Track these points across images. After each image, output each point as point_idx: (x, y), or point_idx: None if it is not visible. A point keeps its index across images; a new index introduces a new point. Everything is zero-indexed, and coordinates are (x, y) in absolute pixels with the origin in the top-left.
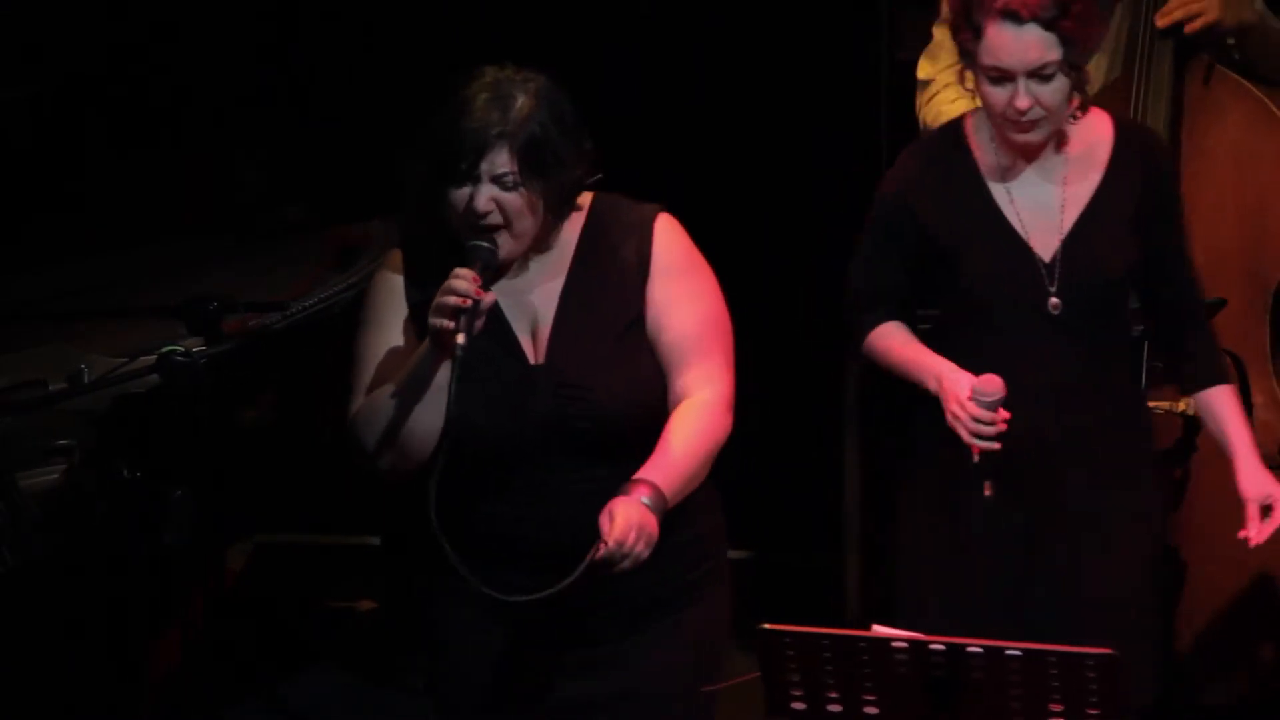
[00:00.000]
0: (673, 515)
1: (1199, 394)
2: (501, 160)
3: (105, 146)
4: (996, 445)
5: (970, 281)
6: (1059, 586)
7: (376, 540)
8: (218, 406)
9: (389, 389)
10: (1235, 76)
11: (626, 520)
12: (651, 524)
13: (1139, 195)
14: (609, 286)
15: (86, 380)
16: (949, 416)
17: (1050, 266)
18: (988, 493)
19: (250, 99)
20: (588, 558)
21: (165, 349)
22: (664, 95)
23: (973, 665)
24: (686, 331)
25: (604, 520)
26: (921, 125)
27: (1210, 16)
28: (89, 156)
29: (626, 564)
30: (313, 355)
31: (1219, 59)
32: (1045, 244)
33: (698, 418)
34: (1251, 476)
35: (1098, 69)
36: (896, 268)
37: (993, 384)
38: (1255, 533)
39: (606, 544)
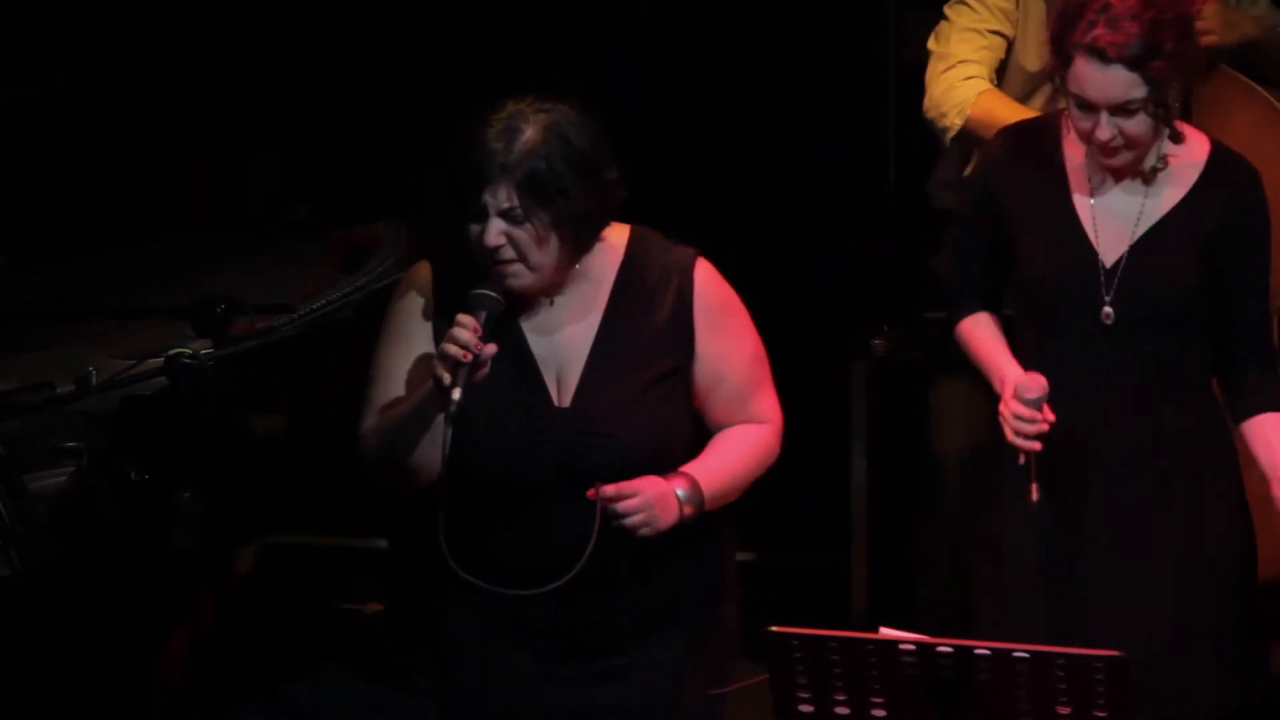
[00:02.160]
0: (691, 530)
1: (1248, 420)
2: (503, 194)
3: (113, 147)
4: (1037, 445)
5: (1031, 275)
6: (1105, 597)
7: (384, 543)
8: (225, 408)
9: (397, 415)
10: (1243, 78)
11: (640, 490)
12: (666, 511)
13: (1219, 221)
14: (646, 334)
15: (94, 382)
16: (1000, 420)
17: (1111, 274)
18: (1034, 497)
19: (258, 100)
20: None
21: (172, 351)
22: (669, 96)
23: (980, 667)
24: (743, 377)
25: (629, 481)
26: (928, 99)
27: (1211, 40)
28: (96, 157)
29: (619, 523)
30: (320, 357)
31: (1226, 59)
32: (1112, 251)
33: (754, 441)
34: None
35: None
36: (981, 254)
37: (1035, 381)
38: None
39: (608, 489)
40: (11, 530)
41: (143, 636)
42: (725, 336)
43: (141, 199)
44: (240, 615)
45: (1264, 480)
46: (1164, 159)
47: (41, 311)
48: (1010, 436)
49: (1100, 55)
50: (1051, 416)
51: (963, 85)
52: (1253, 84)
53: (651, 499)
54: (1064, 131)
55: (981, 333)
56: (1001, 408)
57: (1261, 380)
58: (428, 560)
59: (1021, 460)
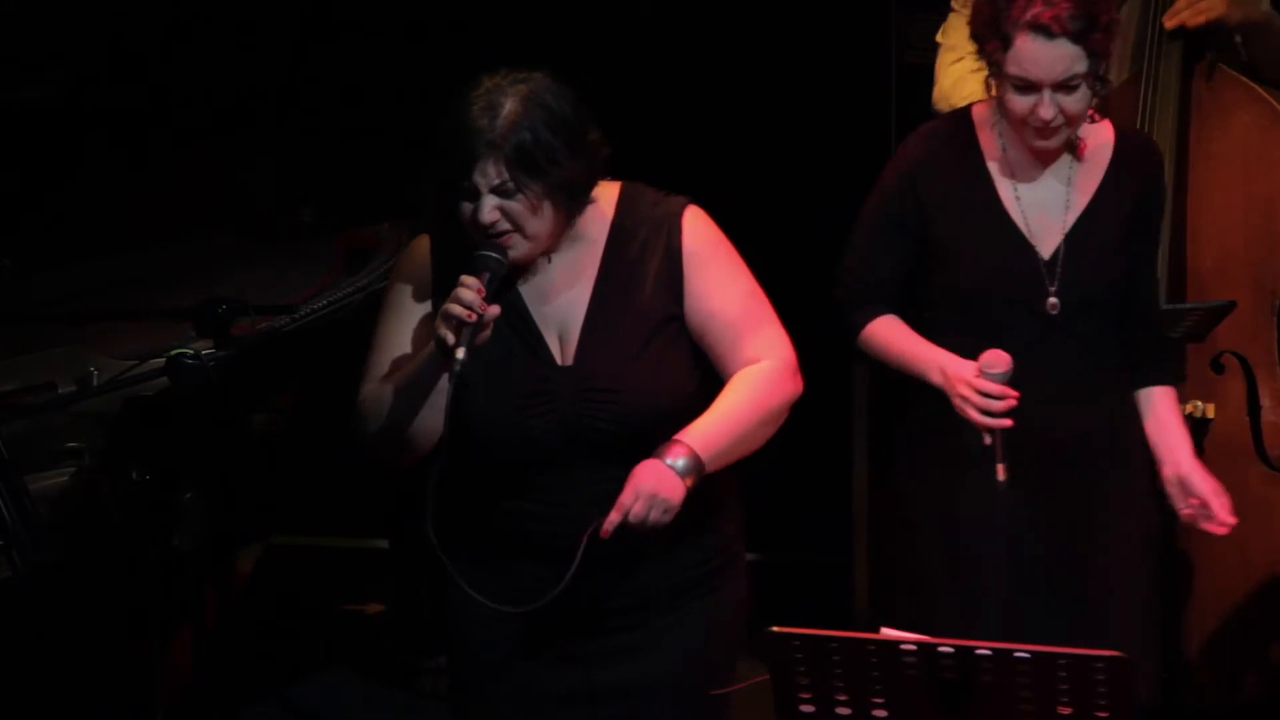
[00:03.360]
0: (695, 507)
1: (1144, 389)
2: (493, 170)
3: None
4: (1008, 422)
5: (969, 276)
6: (1059, 585)
7: (385, 544)
8: (227, 409)
9: (394, 383)
10: (1243, 80)
11: (635, 488)
12: (670, 488)
13: (1136, 198)
14: (640, 286)
15: (96, 383)
16: (957, 402)
17: (1050, 265)
18: (1001, 476)
19: (262, 101)
20: (584, 538)
21: (174, 351)
22: (672, 98)
23: (981, 667)
24: (735, 311)
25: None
26: (937, 90)
27: (1216, 12)
28: (99, 159)
29: (643, 531)
30: (322, 358)
31: (1226, 61)
32: (1047, 243)
33: (754, 383)
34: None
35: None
36: (897, 256)
37: (999, 358)
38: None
39: (612, 518)
40: (13, 531)
41: (145, 638)
42: (712, 276)
43: (144, 201)
44: (243, 615)
45: (1266, 480)
46: (1080, 145)
47: (44, 313)
48: (975, 416)
49: (1045, 31)
50: (1017, 393)
51: (971, 77)
52: (1252, 85)
53: (648, 487)
54: (977, 126)
55: (899, 330)
56: (960, 388)
57: (1159, 349)
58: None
59: (988, 440)
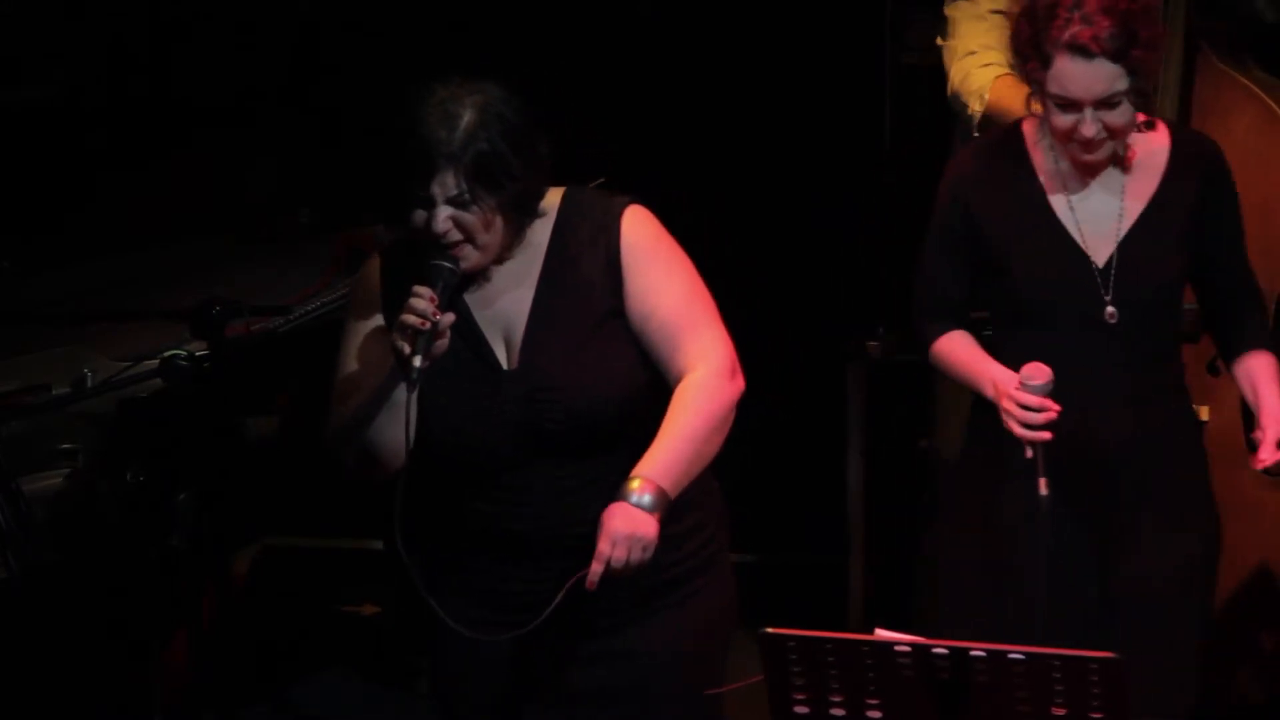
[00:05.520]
0: (673, 503)
1: (1238, 358)
2: (450, 181)
3: (113, 150)
4: (1047, 435)
5: (1026, 288)
6: (1105, 596)
7: (380, 545)
8: (222, 410)
9: (358, 403)
10: (1243, 80)
11: (610, 535)
12: (643, 526)
13: (1197, 199)
14: (580, 285)
15: (90, 384)
16: (1004, 416)
17: (1105, 274)
18: (1043, 491)
19: (259, 103)
20: (564, 589)
21: (168, 353)
22: (667, 98)
23: (976, 669)
24: (672, 311)
25: (599, 539)
26: (949, 88)
27: None
28: (98, 159)
29: (628, 573)
30: (317, 359)
31: (1231, 59)
32: (1101, 252)
33: (694, 396)
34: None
35: None
36: (958, 273)
37: (1039, 371)
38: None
39: (595, 570)
40: (8, 532)
41: (141, 639)
42: (651, 274)
43: (141, 202)
44: (239, 616)
45: (1258, 483)
46: (1128, 149)
47: (39, 314)
48: (1016, 430)
49: (1083, 51)
50: (1058, 406)
51: (979, 72)
52: (1251, 85)
53: (624, 532)
54: (1029, 140)
55: (962, 346)
56: (1004, 402)
57: (1251, 320)
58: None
59: (1029, 454)
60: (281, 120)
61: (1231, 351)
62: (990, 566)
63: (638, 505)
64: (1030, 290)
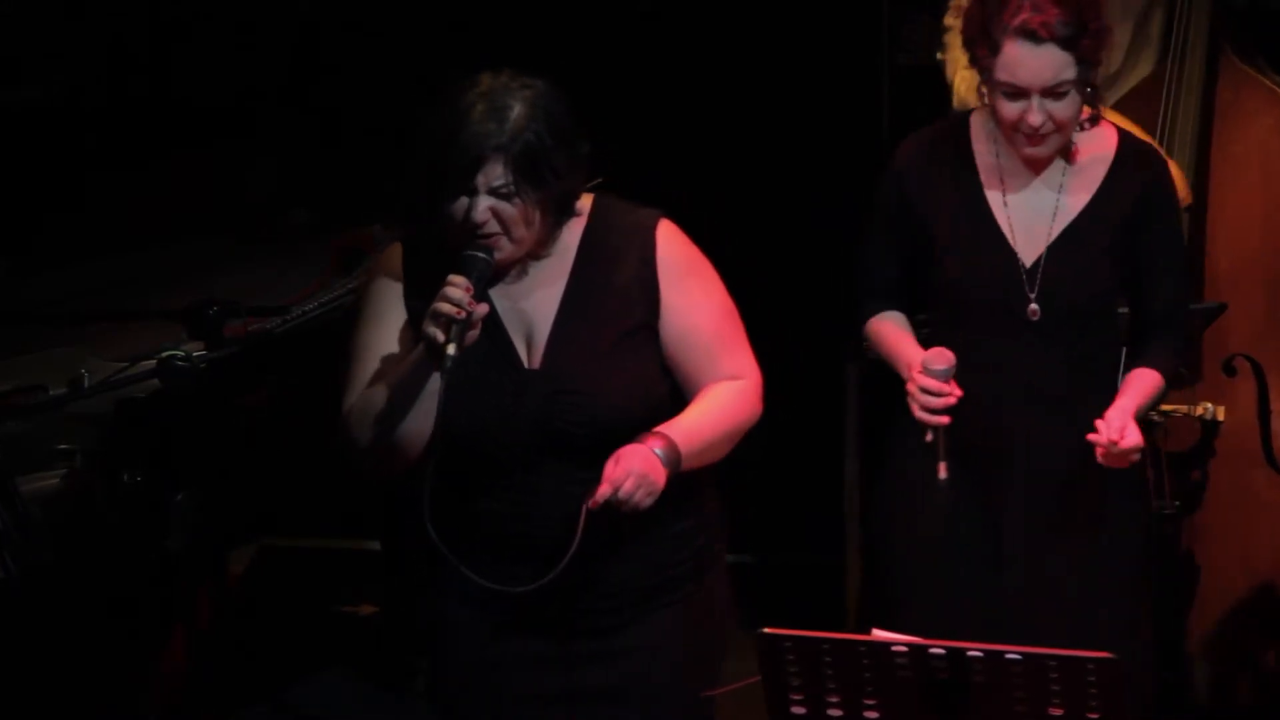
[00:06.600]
0: (672, 503)
1: (1133, 369)
2: (497, 172)
3: (114, 149)
4: (945, 419)
5: (952, 279)
6: (1035, 590)
7: (378, 545)
8: (219, 410)
9: (381, 391)
10: (1266, 83)
11: (627, 466)
12: (656, 473)
13: (1132, 209)
14: (610, 292)
15: (87, 385)
16: (908, 398)
17: (1032, 272)
18: (942, 475)
19: (259, 103)
20: (583, 509)
21: (165, 353)
22: (666, 99)
23: (973, 669)
24: (711, 331)
25: (609, 464)
26: (955, 94)
27: None
28: (97, 159)
29: (626, 509)
30: (315, 359)
31: (1252, 61)
32: (1031, 250)
33: (730, 396)
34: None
35: (1132, 66)
36: (894, 255)
37: (941, 355)
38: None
39: (603, 491)
40: (5, 533)
41: (139, 639)
42: (690, 290)
43: (141, 202)
44: (236, 617)
45: (1273, 484)
46: (1073, 152)
47: (37, 314)
48: (917, 412)
49: (1032, 36)
50: (959, 391)
51: (965, 73)
52: (1274, 89)
53: (639, 466)
54: (972, 133)
55: (890, 326)
56: (909, 385)
57: (1160, 346)
58: (417, 548)
59: (929, 437)
60: (281, 120)
61: (1132, 361)
62: (908, 555)
63: (654, 452)
64: (956, 279)
